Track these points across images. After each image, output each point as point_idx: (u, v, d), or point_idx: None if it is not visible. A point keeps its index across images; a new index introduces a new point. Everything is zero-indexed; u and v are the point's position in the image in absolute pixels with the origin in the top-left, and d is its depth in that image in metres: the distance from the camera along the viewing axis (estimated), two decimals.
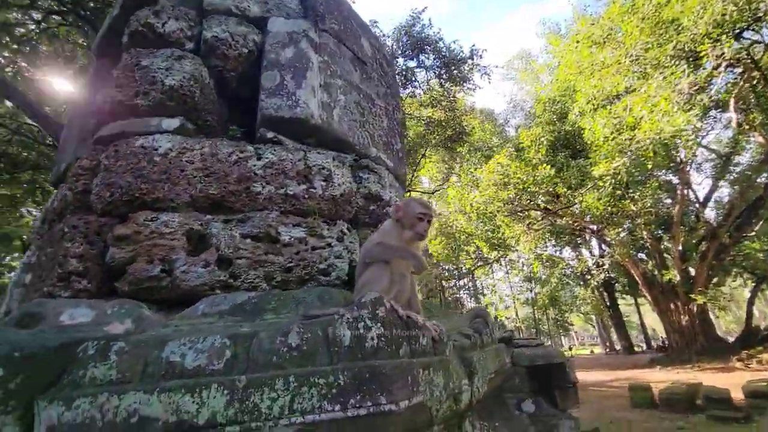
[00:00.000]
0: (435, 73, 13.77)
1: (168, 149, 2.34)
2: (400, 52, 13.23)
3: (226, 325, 1.66)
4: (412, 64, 13.78)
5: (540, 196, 14.09)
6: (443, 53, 13.12)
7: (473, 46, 14.27)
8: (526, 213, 14.95)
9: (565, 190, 13.19)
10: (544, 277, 23.61)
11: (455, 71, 13.36)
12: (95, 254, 2.14)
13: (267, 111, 2.65)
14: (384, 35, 13.05)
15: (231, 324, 1.67)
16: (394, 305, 1.50)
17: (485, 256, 19.52)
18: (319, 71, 3.03)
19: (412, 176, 15.81)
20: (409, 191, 16.08)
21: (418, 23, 13.07)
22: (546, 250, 19.83)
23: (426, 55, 13.39)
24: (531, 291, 28.32)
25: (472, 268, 23.17)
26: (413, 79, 14.00)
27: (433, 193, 18.39)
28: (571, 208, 14.38)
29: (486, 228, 16.09)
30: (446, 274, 23.81)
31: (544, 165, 12.76)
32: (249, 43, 2.88)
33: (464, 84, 13.81)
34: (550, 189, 13.43)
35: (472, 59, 13.20)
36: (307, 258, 2.30)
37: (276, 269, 2.22)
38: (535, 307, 28.74)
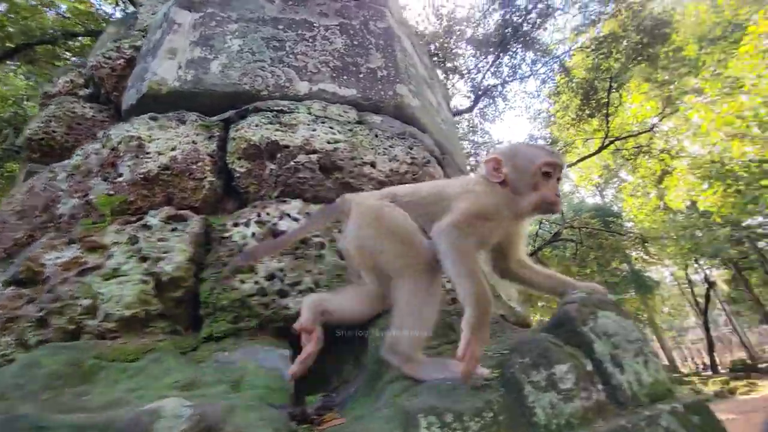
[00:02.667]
0: None
1: None
2: None
3: None
4: None
5: None
6: None
7: None
8: None
9: None
10: None
11: None
12: None
13: (126, 105, 2.01)
14: None
15: None
16: None
17: None
18: (192, 29, 2.21)
19: (607, 126, 11.52)
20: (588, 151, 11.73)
21: None
22: None
23: None
24: None
25: None
26: None
27: (651, 129, 12.74)
28: None
29: None
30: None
31: None
32: (126, 53, 2.41)
33: None
34: None
35: None
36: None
37: None
38: None
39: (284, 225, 1.48)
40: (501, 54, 12.16)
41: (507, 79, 12.95)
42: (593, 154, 12.47)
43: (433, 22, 11.30)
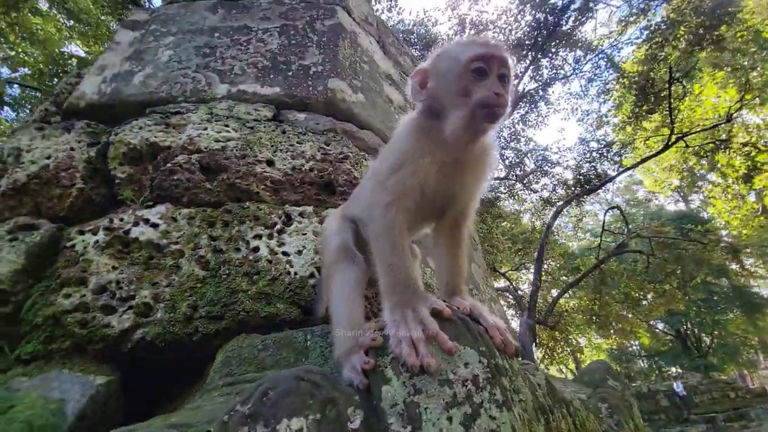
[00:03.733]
0: None
1: None
2: None
3: None
4: None
5: None
6: None
7: None
8: None
9: None
10: None
11: None
12: None
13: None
14: None
15: None
16: None
17: None
18: (129, 46, 2.24)
19: (671, 121, 10.03)
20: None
21: None
22: None
23: None
24: None
25: None
26: None
27: (729, 120, 10.79)
28: None
29: None
30: None
31: None
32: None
33: None
34: None
35: None
36: None
37: None
38: None
39: (137, 232, 1.32)
40: (538, 56, 11.45)
41: (548, 81, 12.12)
42: (658, 153, 10.95)
43: (455, 28, 11.02)
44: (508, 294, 14.80)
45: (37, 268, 1.25)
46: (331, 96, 2.05)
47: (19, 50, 8.59)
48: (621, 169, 11.92)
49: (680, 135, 10.13)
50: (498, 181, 13.81)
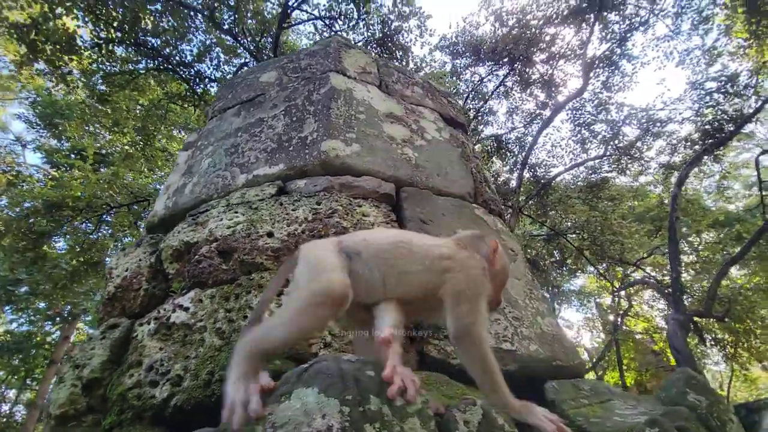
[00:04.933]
0: None
1: None
2: None
3: None
4: None
5: None
6: None
7: None
8: None
9: None
10: None
11: None
12: None
13: None
14: None
15: None
16: None
17: None
18: (184, 164, 2.89)
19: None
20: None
21: None
22: None
23: None
24: None
25: None
26: None
27: None
28: None
29: None
30: None
31: None
32: None
33: None
34: None
35: None
36: None
37: None
38: None
39: (175, 317, 1.69)
40: (603, 13, 10.17)
41: (624, 35, 10.57)
42: None
43: (495, 24, 10.58)
44: (648, 288, 12.50)
45: (117, 356, 1.71)
46: (324, 157, 2.29)
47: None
48: (761, 100, 9.40)
49: None
50: (595, 162, 12.21)
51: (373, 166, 2.38)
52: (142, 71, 9.61)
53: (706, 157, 10.26)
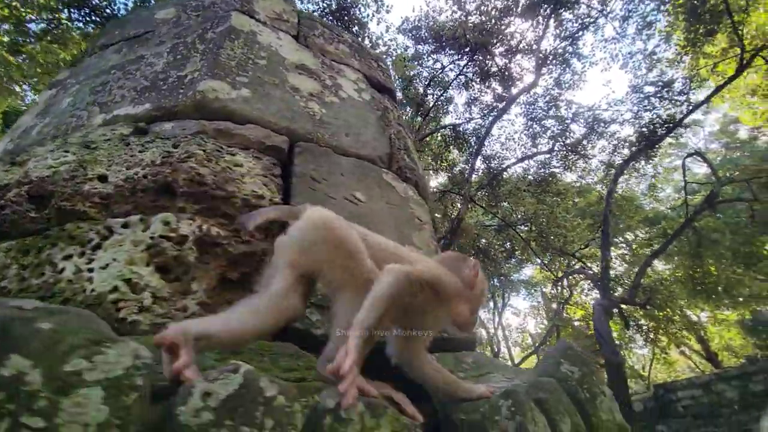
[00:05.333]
0: None
1: None
2: None
3: None
4: None
5: None
6: None
7: None
8: None
9: None
10: None
11: None
12: None
13: None
14: None
15: None
16: None
17: None
18: (43, 104, 2.38)
19: (738, 38, 8.14)
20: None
21: None
22: None
23: None
24: None
25: None
26: None
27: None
28: None
29: None
30: None
31: None
32: None
33: None
34: None
35: None
36: None
37: None
38: None
39: None
40: (558, 10, 10.33)
41: (576, 33, 10.84)
42: (733, 77, 9.02)
43: (457, 12, 10.45)
44: (582, 276, 13.22)
45: None
46: (200, 97, 1.92)
47: None
48: (690, 108, 10.04)
49: (755, 50, 8.24)
50: (545, 156, 12.57)
51: (263, 114, 2.05)
52: (65, 21, 8.51)
53: (640, 157, 10.86)
